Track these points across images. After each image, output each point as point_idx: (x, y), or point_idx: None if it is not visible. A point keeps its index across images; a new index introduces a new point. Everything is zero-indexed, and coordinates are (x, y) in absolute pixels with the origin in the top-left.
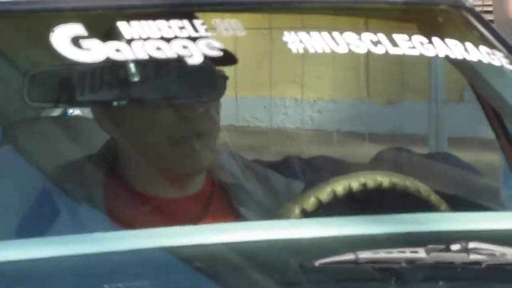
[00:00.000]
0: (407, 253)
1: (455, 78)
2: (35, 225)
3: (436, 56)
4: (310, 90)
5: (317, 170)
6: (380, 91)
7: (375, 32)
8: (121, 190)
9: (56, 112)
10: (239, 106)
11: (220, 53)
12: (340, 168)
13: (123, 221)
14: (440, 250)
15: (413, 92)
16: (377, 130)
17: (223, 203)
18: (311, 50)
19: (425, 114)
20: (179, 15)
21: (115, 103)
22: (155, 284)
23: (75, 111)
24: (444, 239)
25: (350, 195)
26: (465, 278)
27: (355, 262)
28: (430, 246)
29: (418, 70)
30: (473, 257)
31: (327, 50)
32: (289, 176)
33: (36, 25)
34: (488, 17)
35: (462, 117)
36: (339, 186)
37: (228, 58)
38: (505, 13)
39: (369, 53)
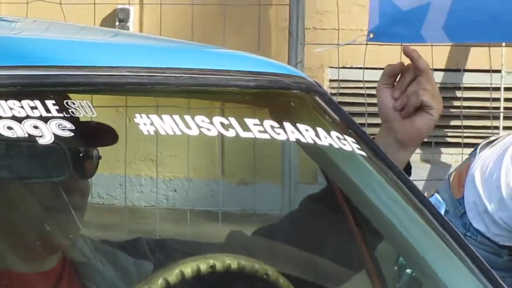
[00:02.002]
0: None
1: (308, 160)
2: None
3: (287, 140)
4: (166, 169)
5: (167, 250)
6: (234, 172)
7: (226, 116)
8: None
9: None
10: (94, 183)
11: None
12: (190, 248)
13: None
14: None
15: (267, 174)
16: (231, 209)
17: (72, 282)
18: (162, 132)
19: (278, 195)
20: (31, 95)
21: None
22: None
23: None
24: None
25: (198, 276)
26: None
27: None
28: None
29: (271, 153)
30: None
31: (178, 133)
32: (138, 257)
33: None
34: (343, 99)
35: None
36: (188, 267)
37: (108, 137)
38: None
39: (222, 135)
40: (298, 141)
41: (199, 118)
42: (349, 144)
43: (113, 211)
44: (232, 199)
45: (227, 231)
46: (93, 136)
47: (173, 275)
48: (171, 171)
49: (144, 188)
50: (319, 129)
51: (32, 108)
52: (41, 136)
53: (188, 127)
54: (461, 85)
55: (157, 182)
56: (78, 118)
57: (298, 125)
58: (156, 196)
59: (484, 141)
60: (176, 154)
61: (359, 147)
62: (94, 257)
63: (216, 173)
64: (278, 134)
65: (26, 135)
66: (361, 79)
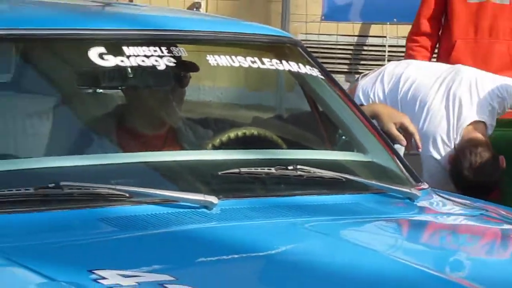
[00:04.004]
0: (265, 169)
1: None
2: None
3: (283, 70)
4: (218, 82)
5: (222, 124)
6: (255, 84)
7: (252, 57)
8: (127, 131)
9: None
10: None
11: (180, 65)
12: (232, 124)
13: (127, 146)
14: (283, 169)
15: (269, 85)
16: (250, 103)
17: (173, 141)
18: (220, 64)
19: (274, 97)
20: (153, 44)
21: (121, 88)
22: (137, 182)
23: (100, 91)
24: (285, 163)
25: (237, 138)
26: (295, 183)
27: (239, 173)
28: (277, 166)
29: (275, 75)
30: (299, 173)
31: (227, 64)
32: (205, 128)
33: (80, 46)
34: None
35: (294, 99)
36: (232, 133)
37: (193, 67)
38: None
39: (250, 68)
40: (289, 70)
41: (239, 57)
42: (316, 73)
43: (194, 104)
44: (251, 98)
45: (250, 116)
46: (187, 66)
47: (224, 137)
48: (220, 83)
49: (206, 92)
50: (300, 64)
51: (154, 51)
52: (159, 65)
53: (233, 61)
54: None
55: (214, 89)
56: (179, 57)
57: (290, 62)
58: (214, 96)
59: (362, 74)
60: (225, 74)
61: (319, 74)
62: (184, 127)
63: (242, 84)
64: (279, 66)
65: (151, 65)
66: (317, 40)
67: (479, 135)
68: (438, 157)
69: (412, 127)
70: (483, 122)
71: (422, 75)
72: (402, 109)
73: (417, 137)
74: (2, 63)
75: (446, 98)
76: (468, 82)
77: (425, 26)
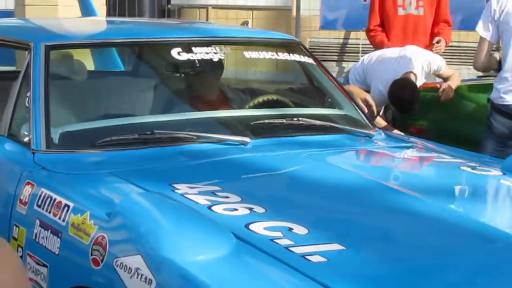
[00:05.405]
0: (279, 120)
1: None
2: (172, 111)
3: (293, 60)
4: (254, 67)
5: (255, 93)
6: (278, 69)
7: (268, 51)
8: (198, 98)
9: (175, 74)
10: (229, 73)
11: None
12: (261, 93)
13: (198, 108)
14: (290, 120)
15: (285, 70)
16: (278, 80)
17: (225, 102)
18: (253, 57)
19: (293, 76)
20: (210, 45)
21: (192, 72)
22: (202, 129)
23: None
24: (292, 116)
25: (264, 101)
26: (298, 129)
27: (263, 123)
28: (287, 118)
29: (288, 63)
30: (300, 122)
31: (256, 57)
32: (246, 95)
33: (166, 48)
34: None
35: (303, 77)
36: (261, 98)
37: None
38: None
39: (270, 58)
40: (295, 60)
41: (261, 53)
42: (313, 63)
43: (244, 81)
44: (277, 78)
45: (274, 88)
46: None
47: (256, 101)
48: (255, 68)
49: (248, 74)
50: (301, 56)
51: (212, 49)
52: (214, 58)
53: (259, 55)
54: None
55: (254, 73)
56: (225, 54)
57: (295, 55)
58: (254, 77)
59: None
60: (257, 63)
61: (315, 63)
62: (231, 95)
63: (273, 69)
64: (289, 58)
65: (209, 58)
66: (318, 41)
67: (410, 76)
68: (383, 90)
69: (371, 101)
70: (414, 73)
71: (386, 50)
72: (373, 69)
73: (374, 108)
74: (126, 59)
75: (397, 58)
76: (410, 50)
77: (375, 22)
